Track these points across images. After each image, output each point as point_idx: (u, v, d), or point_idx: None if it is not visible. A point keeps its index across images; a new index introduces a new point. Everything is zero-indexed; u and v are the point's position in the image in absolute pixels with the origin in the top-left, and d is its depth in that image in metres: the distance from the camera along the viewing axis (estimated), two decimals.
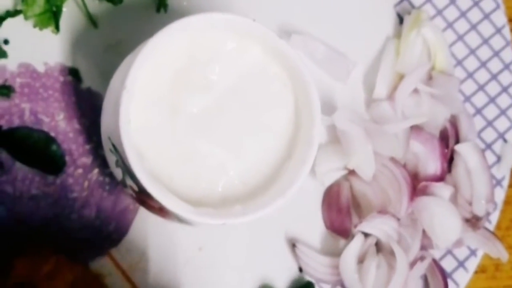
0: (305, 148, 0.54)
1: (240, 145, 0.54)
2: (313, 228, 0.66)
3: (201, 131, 0.53)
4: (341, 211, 0.65)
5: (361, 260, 0.64)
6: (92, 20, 0.62)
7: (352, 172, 0.65)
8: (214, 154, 0.53)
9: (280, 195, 0.52)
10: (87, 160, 0.61)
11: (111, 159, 0.54)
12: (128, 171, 0.51)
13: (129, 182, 0.53)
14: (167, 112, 0.52)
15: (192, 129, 0.53)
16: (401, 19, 0.69)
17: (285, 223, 0.65)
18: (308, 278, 0.64)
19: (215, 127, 0.53)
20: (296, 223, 0.65)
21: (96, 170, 0.62)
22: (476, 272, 0.71)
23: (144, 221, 0.62)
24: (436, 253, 0.67)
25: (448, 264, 0.67)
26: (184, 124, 0.52)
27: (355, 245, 0.63)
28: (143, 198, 0.53)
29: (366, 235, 0.64)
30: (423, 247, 0.65)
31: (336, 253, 0.65)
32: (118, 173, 0.54)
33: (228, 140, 0.54)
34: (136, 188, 0.52)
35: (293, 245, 0.64)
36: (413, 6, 0.69)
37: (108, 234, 0.61)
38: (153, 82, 0.52)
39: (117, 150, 0.51)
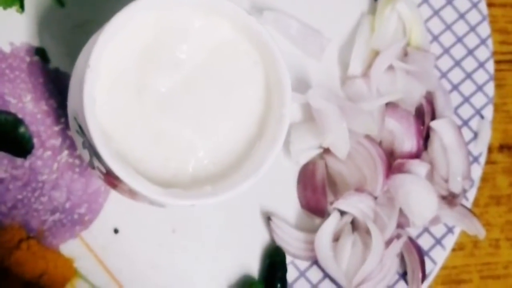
0: (276, 127, 0.53)
1: (209, 124, 0.53)
2: (288, 206, 0.65)
3: (170, 111, 0.52)
4: (316, 190, 0.64)
5: (336, 238, 0.63)
6: None
7: (327, 151, 0.64)
8: (183, 134, 0.52)
9: (251, 175, 0.51)
10: (56, 142, 0.60)
11: (78, 140, 0.53)
12: (94, 152, 0.50)
13: (97, 163, 0.51)
14: (134, 92, 0.51)
15: (160, 109, 0.51)
16: None
17: (260, 202, 0.64)
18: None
19: (184, 107, 0.52)
20: (271, 201, 0.64)
21: (65, 152, 0.60)
22: (454, 250, 0.70)
23: (116, 203, 0.61)
24: (413, 231, 0.66)
25: (425, 242, 0.66)
26: (151, 104, 0.51)
27: (331, 223, 0.63)
28: (111, 180, 0.52)
29: (342, 213, 0.64)
30: (400, 225, 0.65)
31: (311, 230, 0.64)
32: (85, 154, 0.53)
33: (197, 119, 0.52)
34: (104, 170, 0.51)
35: (268, 218, 0.63)
36: None
37: (79, 216, 0.60)
38: (119, 61, 0.51)
39: (83, 131, 0.50)
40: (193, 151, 0.52)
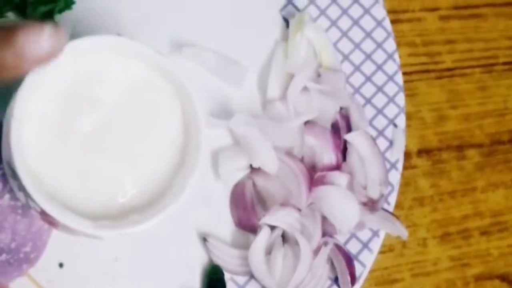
0: (195, 154, 0.58)
1: (134, 157, 0.57)
2: (223, 226, 0.69)
3: (95, 149, 0.56)
4: (246, 208, 0.69)
5: (269, 252, 0.68)
6: None
7: (254, 170, 0.69)
8: (109, 168, 0.56)
9: (174, 201, 0.56)
10: None
11: (14, 184, 0.57)
12: (27, 194, 0.54)
13: (32, 204, 0.56)
14: (58, 135, 0.55)
15: (85, 147, 0.56)
16: (287, 23, 0.73)
17: (196, 225, 0.68)
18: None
19: (109, 143, 0.57)
20: (207, 223, 0.69)
21: (7, 196, 0.64)
22: (384, 252, 0.75)
23: (58, 239, 0.65)
24: (341, 238, 0.71)
25: (353, 247, 0.71)
26: (76, 144, 0.56)
27: (262, 238, 0.67)
28: (47, 218, 0.56)
29: (273, 228, 0.68)
30: (328, 234, 0.69)
31: (246, 247, 0.68)
32: (21, 196, 0.57)
33: (122, 153, 0.57)
34: (38, 209, 0.55)
35: (204, 239, 0.68)
36: (297, 9, 0.73)
37: (25, 254, 0.64)
38: (42, 107, 0.55)
39: (16, 175, 0.54)
40: (120, 184, 0.57)
